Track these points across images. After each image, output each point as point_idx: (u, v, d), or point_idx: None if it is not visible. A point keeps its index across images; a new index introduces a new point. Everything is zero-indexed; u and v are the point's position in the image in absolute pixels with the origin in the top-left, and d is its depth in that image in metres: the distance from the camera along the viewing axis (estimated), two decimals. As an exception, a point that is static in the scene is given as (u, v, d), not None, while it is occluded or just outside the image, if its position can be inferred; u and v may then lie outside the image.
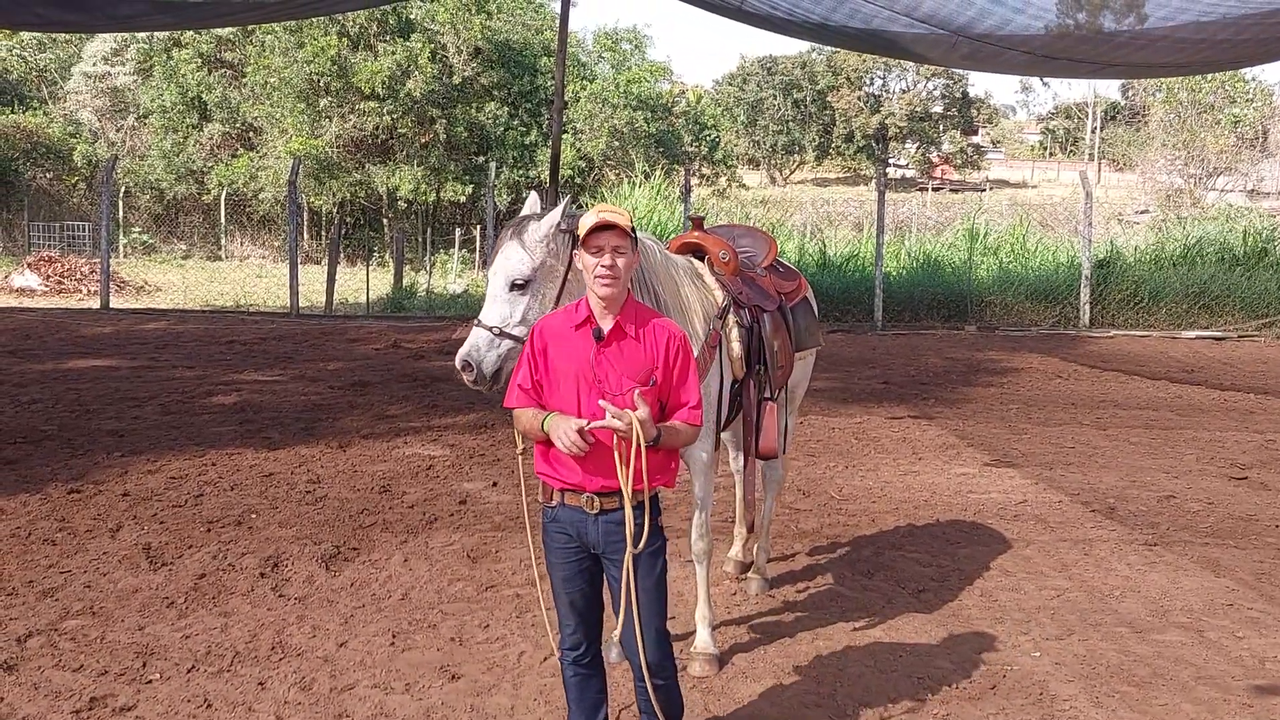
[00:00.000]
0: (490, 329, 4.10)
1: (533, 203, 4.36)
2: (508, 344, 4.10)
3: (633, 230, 3.57)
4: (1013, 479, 8.24)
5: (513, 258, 4.11)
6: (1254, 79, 39.80)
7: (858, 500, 7.62)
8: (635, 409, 3.40)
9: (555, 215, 4.14)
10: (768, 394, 5.06)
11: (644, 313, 3.67)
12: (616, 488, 3.47)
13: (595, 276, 3.49)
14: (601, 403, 3.42)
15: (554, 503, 3.62)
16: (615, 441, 3.43)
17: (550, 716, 4.32)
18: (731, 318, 4.81)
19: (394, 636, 5.08)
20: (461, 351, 4.10)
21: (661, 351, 3.58)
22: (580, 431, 3.37)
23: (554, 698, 4.45)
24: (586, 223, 3.51)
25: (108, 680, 4.56)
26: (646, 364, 3.55)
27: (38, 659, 4.74)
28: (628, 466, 3.41)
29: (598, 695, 3.76)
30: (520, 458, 4.06)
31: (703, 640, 4.85)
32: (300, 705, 4.40)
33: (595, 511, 3.54)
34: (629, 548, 3.46)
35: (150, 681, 4.56)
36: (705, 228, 5.29)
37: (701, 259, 5.04)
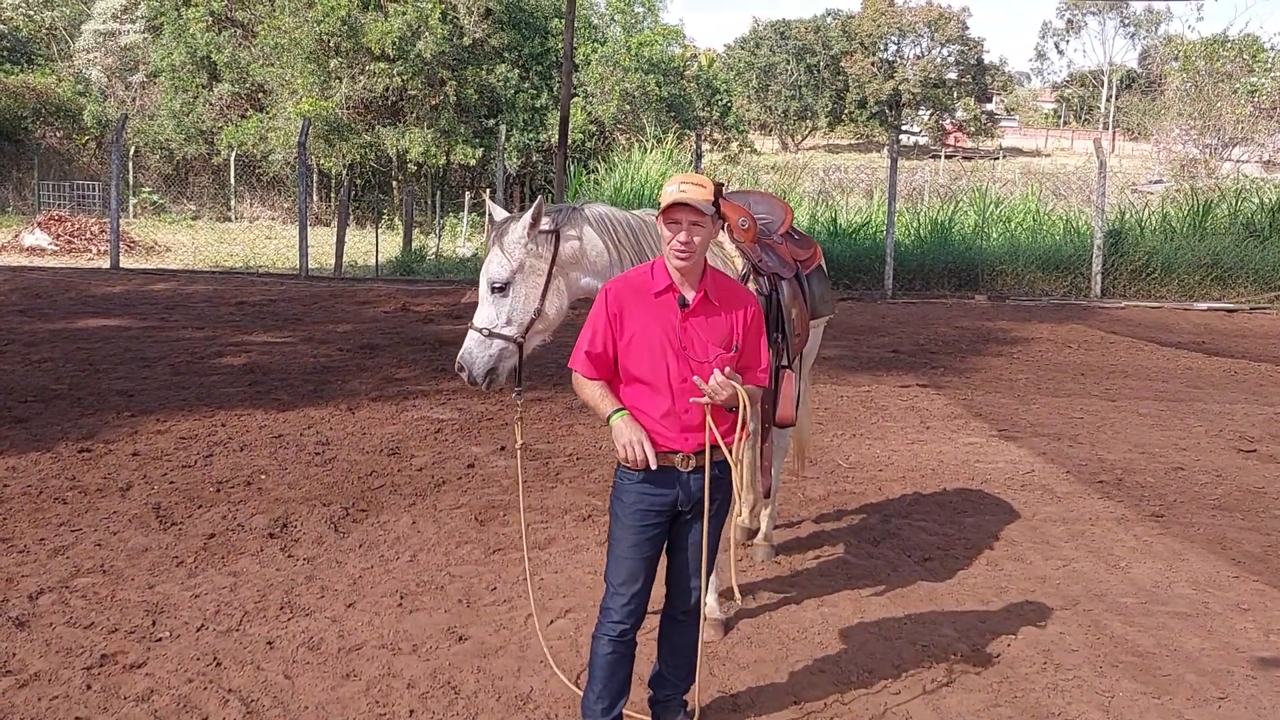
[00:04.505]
0: (480, 330, 4.27)
1: (494, 210, 4.46)
2: (499, 344, 4.27)
3: (716, 198, 3.61)
4: (1020, 449, 8.23)
5: (493, 261, 4.27)
6: (1273, 48, 39.34)
7: (865, 468, 7.62)
8: (725, 377, 3.51)
9: (527, 218, 4.24)
10: (785, 362, 5.06)
11: (721, 279, 3.76)
12: (705, 445, 3.60)
13: (671, 250, 3.57)
14: (726, 369, 3.53)
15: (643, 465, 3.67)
16: (708, 406, 3.54)
17: (555, 680, 4.35)
18: (751, 285, 4.81)
19: (402, 598, 5.12)
20: (460, 353, 4.29)
21: (740, 319, 3.68)
22: (648, 458, 3.49)
23: (560, 660, 4.48)
24: (666, 195, 3.57)
25: (118, 638, 4.60)
26: (728, 331, 3.65)
27: (49, 616, 4.78)
28: (721, 428, 3.57)
29: (626, 679, 3.78)
30: (520, 454, 4.43)
31: (709, 605, 4.87)
32: (308, 664, 4.44)
33: (689, 470, 3.63)
34: (733, 483, 3.63)
35: (160, 639, 4.60)
36: (723, 195, 5.25)
37: (721, 226, 5.02)
